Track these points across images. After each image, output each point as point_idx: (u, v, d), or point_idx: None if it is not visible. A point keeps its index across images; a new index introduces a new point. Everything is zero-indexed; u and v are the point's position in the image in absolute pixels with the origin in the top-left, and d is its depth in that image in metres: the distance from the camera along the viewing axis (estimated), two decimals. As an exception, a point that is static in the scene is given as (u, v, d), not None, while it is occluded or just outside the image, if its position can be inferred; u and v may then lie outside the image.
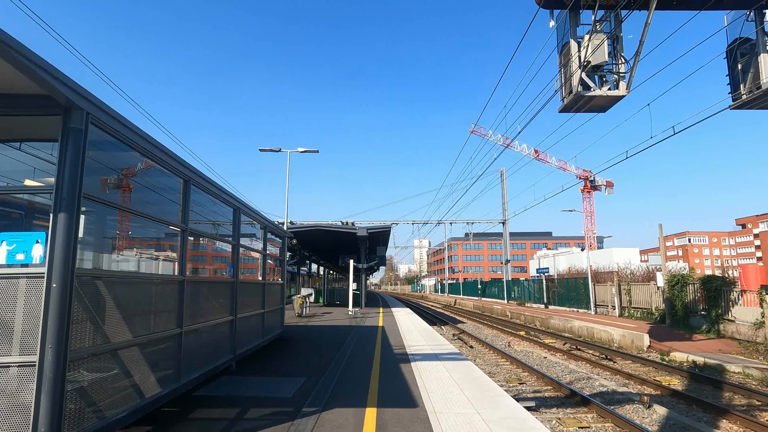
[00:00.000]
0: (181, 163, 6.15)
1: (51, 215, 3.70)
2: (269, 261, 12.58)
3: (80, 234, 6.37)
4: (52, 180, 3.78)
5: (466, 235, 54.47)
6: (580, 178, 66.52)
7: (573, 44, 11.44)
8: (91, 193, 4.15)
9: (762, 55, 10.36)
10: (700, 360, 13.63)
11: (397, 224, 53.53)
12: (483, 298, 54.93)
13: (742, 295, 17.80)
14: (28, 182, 5.41)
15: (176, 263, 6.28)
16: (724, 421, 8.45)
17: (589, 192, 71.14)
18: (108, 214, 6.94)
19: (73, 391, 3.81)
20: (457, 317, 34.88)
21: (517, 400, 9.34)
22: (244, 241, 9.67)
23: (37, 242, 3.76)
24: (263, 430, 5.02)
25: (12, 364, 3.56)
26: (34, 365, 3.49)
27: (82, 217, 6.90)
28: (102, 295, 4.35)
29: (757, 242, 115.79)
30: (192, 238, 8.30)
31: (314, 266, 48.51)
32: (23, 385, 3.52)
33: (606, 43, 10.97)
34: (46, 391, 3.46)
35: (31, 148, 5.46)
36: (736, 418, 8.38)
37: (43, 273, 3.60)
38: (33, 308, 3.62)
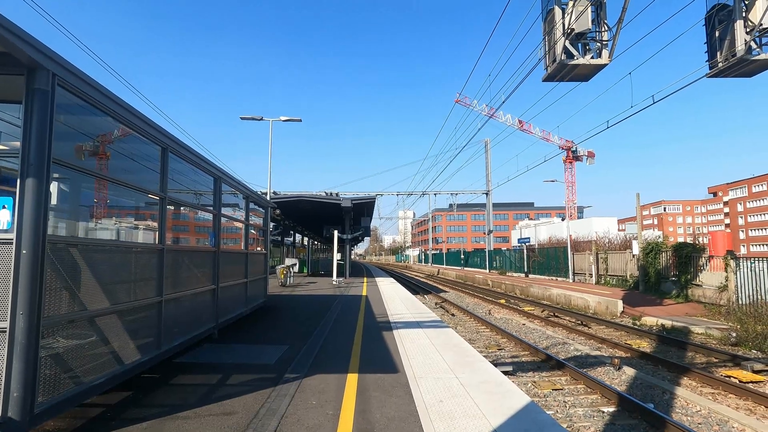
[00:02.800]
0: (159, 130, 5.98)
1: (18, 180, 3.58)
2: (252, 231, 12.51)
3: (54, 201, 6.24)
4: (18, 144, 3.64)
5: (450, 206, 54.72)
6: (562, 149, 67.00)
7: (557, 11, 11.32)
8: (62, 158, 4.02)
9: (738, 21, 10.42)
10: (668, 323, 14.22)
11: (381, 195, 53.39)
12: (465, 268, 55.82)
13: (709, 261, 18.46)
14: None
15: (156, 232, 6.20)
16: (686, 378, 8.94)
17: (571, 162, 71.84)
18: (84, 182, 6.77)
19: (48, 357, 3.79)
20: (440, 286, 35.46)
21: (496, 365, 9.63)
22: (226, 210, 9.57)
23: (4, 207, 3.65)
24: (245, 396, 5.09)
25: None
26: (5, 331, 3.45)
27: (57, 184, 6.76)
28: (77, 263, 4.28)
29: (727, 209, 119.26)
30: (172, 207, 8.19)
31: (299, 237, 48.46)
32: (-5, 350, 3.49)
33: (590, 9, 10.86)
34: (18, 356, 3.43)
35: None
36: (696, 375, 8.87)
37: (12, 239, 3.52)
38: (2, 274, 3.55)
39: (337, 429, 4.10)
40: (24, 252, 3.54)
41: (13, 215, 3.64)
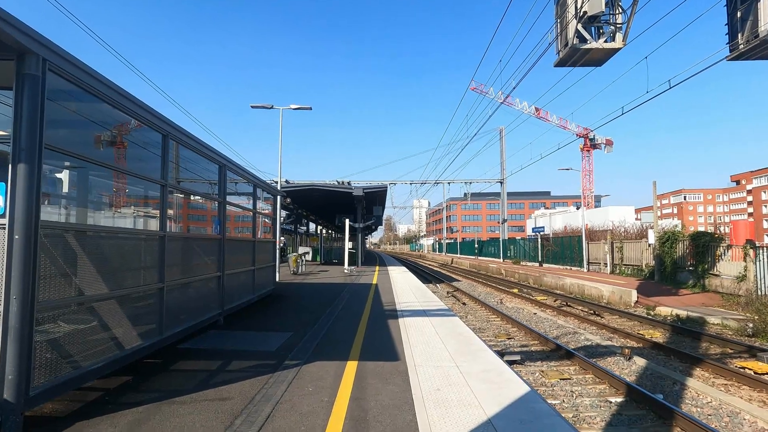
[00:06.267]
0: (158, 116, 5.96)
1: (9, 166, 3.59)
2: (261, 219, 12.55)
3: (53, 188, 6.29)
4: (12, 130, 3.65)
5: (465, 195, 54.28)
6: (579, 136, 65.68)
7: (569, -8, 10.97)
8: (54, 144, 4.02)
9: (762, 0, 9.94)
10: (683, 313, 13.90)
11: (394, 184, 53.22)
12: (479, 257, 55.53)
13: (729, 250, 17.97)
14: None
15: (157, 219, 6.22)
16: (698, 369, 8.72)
17: (588, 150, 70.49)
18: (89, 169, 6.83)
19: (44, 342, 3.84)
20: (453, 275, 35.34)
21: (503, 354, 9.57)
22: (232, 198, 9.59)
23: (-5, 192, 3.67)
24: (243, 382, 5.11)
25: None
26: (-1, 315, 3.49)
27: (66, 171, 6.83)
28: (73, 249, 4.30)
29: (750, 198, 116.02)
30: (180, 196, 8.23)
31: (312, 226, 48.69)
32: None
33: (603, -10, 10.52)
34: (12, 340, 3.47)
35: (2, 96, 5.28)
36: (709, 366, 8.66)
37: (4, 224, 3.54)
38: (-4, 259, 3.58)
39: (330, 416, 4.08)
40: (17, 237, 3.55)
41: (6, 201, 3.66)
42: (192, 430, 3.76)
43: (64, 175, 6.96)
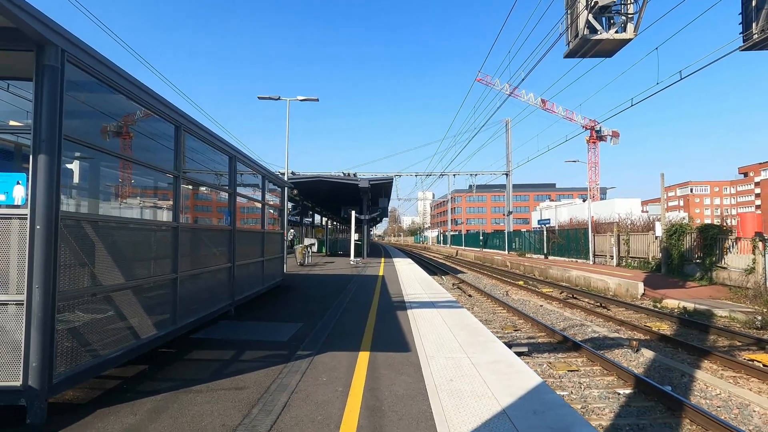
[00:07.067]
0: (172, 108, 5.99)
1: (30, 157, 3.63)
2: (269, 211, 12.60)
3: (70, 179, 6.34)
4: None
5: (470, 187, 54.14)
6: (585, 128, 65.24)
7: (581, -18, 10.85)
8: (73, 135, 4.05)
9: (779, -11, 9.80)
10: (690, 306, 13.90)
11: (400, 176, 53.14)
12: (484, 249, 55.52)
13: (736, 243, 17.89)
14: (12, 123, 5.30)
15: (171, 210, 6.27)
16: (706, 361, 8.73)
17: (594, 143, 70.08)
18: (100, 160, 6.87)
19: (66, 330, 3.90)
20: (458, 267, 35.40)
21: (511, 346, 9.60)
22: (241, 190, 9.63)
23: (18, 183, 3.71)
24: (257, 371, 5.17)
25: (3, 302, 3.63)
26: (23, 304, 3.55)
27: (77, 162, 6.87)
28: (91, 239, 4.35)
29: (758, 190, 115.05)
30: (190, 187, 8.27)
31: (318, 217, 48.79)
32: (14, 322, 3.60)
33: (615, -20, 10.39)
34: (36, 328, 3.54)
35: (17, 89, 5.32)
36: (717, 358, 8.67)
37: (26, 214, 3.59)
38: (20, 249, 3.64)
39: (345, 405, 4.13)
40: (38, 227, 3.60)
41: (27, 191, 3.70)
42: (210, 419, 3.83)
43: (74, 166, 7.01)
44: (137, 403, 4.13)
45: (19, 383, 3.57)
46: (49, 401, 3.77)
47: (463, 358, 5.86)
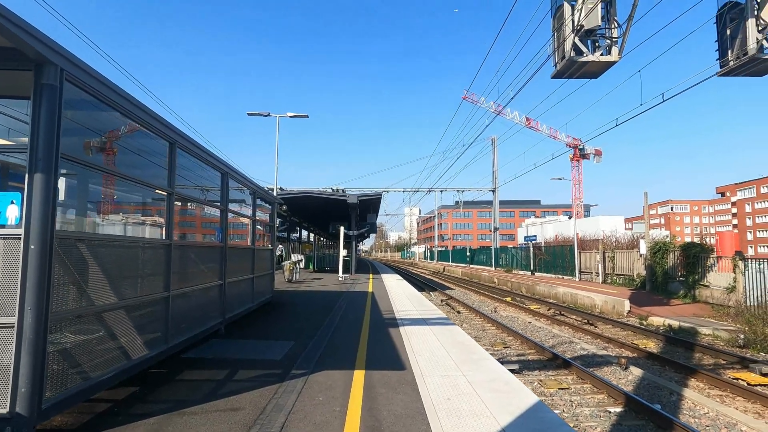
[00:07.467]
0: (166, 125, 5.97)
1: (26, 176, 3.58)
2: (259, 227, 12.52)
3: (63, 197, 6.25)
4: (25, 140, 3.64)
5: (456, 203, 54.55)
6: (569, 147, 66.36)
7: (567, 7, 11.22)
8: (70, 153, 4.02)
9: (750, 20, 10.27)
10: (675, 324, 14.10)
11: (387, 192, 53.42)
12: (471, 265, 55.71)
13: (717, 261, 18.29)
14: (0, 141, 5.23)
15: (163, 227, 6.20)
16: (693, 379, 8.86)
17: (578, 160, 71.23)
18: (92, 177, 6.79)
19: (56, 353, 3.80)
20: (446, 284, 35.42)
21: (502, 363, 9.59)
22: (233, 206, 9.57)
23: (12, 203, 3.65)
24: (252, 391, 5.09)
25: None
26: (13, 326, 3.46)
27: (64, 180, 6.77)
28: (85, 258, 4.28)
29: (735, 210, 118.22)
30: (179, 203, 8.20)
31: (305, 233, 48.53)
32: (2, 346, 3.50)
33: (599, 6, 10.75)
34: (26, 352, 3.43)
35: (4, 107, 5.26)
36: (703, 376, 8.79)
37: (20, 234, 3.52)
38: (10, 270, 3.55)
39: (344, 426, 4.08)
40: (32, 247, 3.54)
41: (21, 210, 3.64)
42: (206, 442, 3.75)
43: (60, 183, 6.90)
44: (129, 427, 4.03)
45: (6, 410, 3.43)
46: (37, 428, 3.66)
47: (458, 376, 5.85)
